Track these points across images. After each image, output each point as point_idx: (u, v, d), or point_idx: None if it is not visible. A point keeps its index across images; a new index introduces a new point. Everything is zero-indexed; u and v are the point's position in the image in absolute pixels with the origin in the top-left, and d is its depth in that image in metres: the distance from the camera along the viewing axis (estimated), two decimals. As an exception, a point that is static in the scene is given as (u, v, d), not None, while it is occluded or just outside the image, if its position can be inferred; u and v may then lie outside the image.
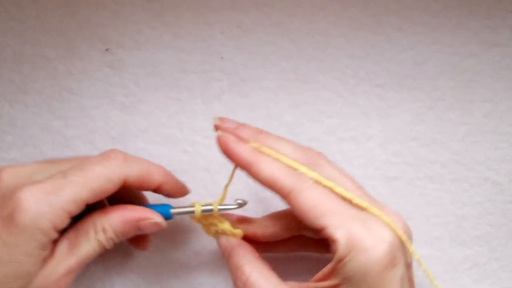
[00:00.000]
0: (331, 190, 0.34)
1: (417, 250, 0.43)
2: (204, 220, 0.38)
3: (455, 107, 0.45)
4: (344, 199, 0.34)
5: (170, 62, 0.46)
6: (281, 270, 0.42)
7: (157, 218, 0.36)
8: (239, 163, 0.35)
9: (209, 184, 0.44)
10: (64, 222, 0.33)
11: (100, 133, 0.45)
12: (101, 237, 0.35)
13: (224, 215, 0.39)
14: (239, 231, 0.38)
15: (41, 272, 0.33)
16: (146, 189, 0.38)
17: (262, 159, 0.35)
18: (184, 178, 0.44)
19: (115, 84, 0.46)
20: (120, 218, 0.35)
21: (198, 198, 0.44)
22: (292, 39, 0.46)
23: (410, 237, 0.35)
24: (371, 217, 0.33)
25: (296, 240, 0.39)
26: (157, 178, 0.37)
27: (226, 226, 0.38)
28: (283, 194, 0.34)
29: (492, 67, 0.46)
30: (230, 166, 0.44)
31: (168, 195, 0.39)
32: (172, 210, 0.38)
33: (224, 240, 0.37)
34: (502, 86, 0.46)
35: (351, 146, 0.45)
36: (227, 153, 0.36)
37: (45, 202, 0.32)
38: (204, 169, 0.44)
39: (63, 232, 0.34)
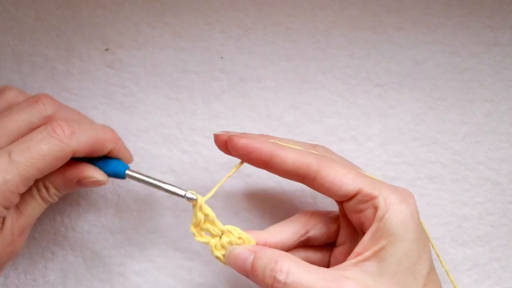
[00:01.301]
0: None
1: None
2: (213, 231, 0.37)
3: (455, 107, 0.45)
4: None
5: (170, 62, 0.46)
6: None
7: (98, 175, 0.37)
8: (261, 155, 0.36)
9: (209, 184, 0.44)
10: (13, 201, 0.34)
11: (100, 133, 0.45)
12: (44, 194, 0.37)
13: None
14: (252, 239, 0.37)
15: None
16: (96, 156, 0.38)
17: (283, 147, 0.36)
18: (184, 178, 0.44)
19: (114, 84, 0.46)
20: (60, 177, 0.37)
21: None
22: (292, 39, 0.46)
23: None
24: (387, 186, 0.36)
25: (299, 251, 0.39)
26: (106, 146, 0.37)
27: (240, 231, 0.37)
28: (313, 169, 0.35)
29: (492, 67, 0.46)
30: (229, 166, 0.44)
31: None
32: (128, 172, 0.38)
33: (240, 248, 0.36)
34: (503, 86, 0.46)
35: (351, 146, 0.45)
36: (248, 148, 0.36)
37: None
38: (204, 169, 0.44)
39: None
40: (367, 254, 0.34)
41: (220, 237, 0.37)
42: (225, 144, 0.37)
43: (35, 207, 0.37)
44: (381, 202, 0.34)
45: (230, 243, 0.36)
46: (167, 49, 0.46)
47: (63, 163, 0.35)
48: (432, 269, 0.36)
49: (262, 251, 0.35)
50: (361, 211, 0.35)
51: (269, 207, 0.44)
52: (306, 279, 0.33)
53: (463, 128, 0.45)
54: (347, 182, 0.35)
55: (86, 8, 0.47)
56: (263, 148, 0.36)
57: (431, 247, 0.38)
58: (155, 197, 0.44)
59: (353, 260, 0.34)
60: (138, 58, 0.46)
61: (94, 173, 0.37)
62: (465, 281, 0.43)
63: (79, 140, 0.35)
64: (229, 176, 0.38)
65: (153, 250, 0.43)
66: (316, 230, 0.39)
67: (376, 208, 0.34)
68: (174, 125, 0.45)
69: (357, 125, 0.45)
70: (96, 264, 0.43)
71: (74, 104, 0.45)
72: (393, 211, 0.34)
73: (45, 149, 0.34)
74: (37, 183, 0.36)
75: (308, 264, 0.34)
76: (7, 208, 0.34)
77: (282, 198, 0.44)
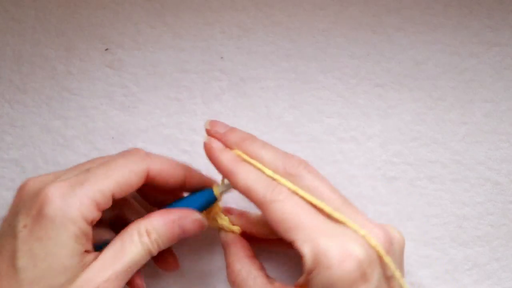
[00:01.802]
0: (307, 201, 0.33)
1: (418, 251, 0.43)
2: (207, 214, 0.39)
3: (455, 107, 0.45)
4: (320, 211, 0.33)
5: (170, 62, 0.46)
6: (275, 268, 0.42)
7: (197, 215, 0.37)
8: (220, 171, 0.36)
9: (209, 184, 0.44)
10: (92, 212, 0.33)
11: (100, 133, 0.45)
12: (146, 240, 0.34)
13: (226, 210, 0.40)
14: (237, 228, 0.39)
15: (85, 274, 0.32)
16: (172, 185, 0.37)
17: (240, 169, 0.35)
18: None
19: (114, 84, 0.46)
20: (161, 219, 0.35)
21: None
22: (292, 39, 0.46)
23: (400, 247, 0.34)
24: (347, 231, 0.32)
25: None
26: (180, 171, 0.37)
27: (225, 222, 0.39)
28: (257, 204, 0.34)
29: (492, 67, 0.46)
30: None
31: (195, 190, 0.39)
32: (216, 189, 0.38)
33: (223, 235, 0.39)
34: (503, 86, 0.46)
35: (351, 146, 0.45)
36: (211, 160, 0.36)
37: (71, 193, 0.32)
38: (204, 169, 0.44)
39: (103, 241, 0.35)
40: None
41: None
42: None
43: (135, 253, 0.34)
44: (307, 261, 0.32)
45: (216, 224, 0.39)
46: (167, 49, 0.46)
47: (140, 181, 0.35)
48: None
49: (230, 247, 0.38)
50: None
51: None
52: None
53: (463, 128, 0.45)
54: (283, 229, 0.33)
55: (86, 8, 0.47)
56: (224, 163, 0.36)
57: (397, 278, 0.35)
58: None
59: None
60: (138, 58, 0.46)
61: (193, 213, 0.37)
62: (465, 281, 0.43)
63: (153, 160, 0.36)
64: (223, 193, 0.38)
65: (153, 250, 0.43)
66: None
67: (303, 264, 0.32)
68: (174, 125, 0.45)
69: (357, 125, 0.45)
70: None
71: (74, 104, 0.45)
72: (318, 273, 0.31)
73: (120, 162, 0.35)
74: (139, 227, 0.35)
75: (259, 276, 0.35)
76: (87, 221, 0.33)
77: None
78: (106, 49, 0.46)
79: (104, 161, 0.35)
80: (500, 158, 0.45)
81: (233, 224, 0.39)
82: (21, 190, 0.35)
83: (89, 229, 0.33)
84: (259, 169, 0.35)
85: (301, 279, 0.33)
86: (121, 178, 0.34)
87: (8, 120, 0.45)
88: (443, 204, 0.44)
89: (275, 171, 0.35)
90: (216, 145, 0.36)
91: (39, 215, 0.32)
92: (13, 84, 0.46)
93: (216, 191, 0.38)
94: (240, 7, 0.47)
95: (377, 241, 0.32)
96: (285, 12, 0.47)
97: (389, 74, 0.46)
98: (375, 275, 0.32)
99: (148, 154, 0.37)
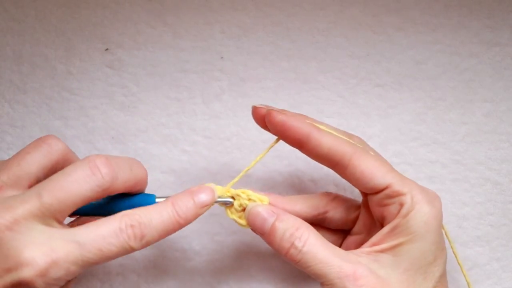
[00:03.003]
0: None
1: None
2: (228, 193, 0.37)
3: (455, 107, 0.45)
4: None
5: (170, 62, 0.46)
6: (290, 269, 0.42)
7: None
8: (298, 134, 0.35)
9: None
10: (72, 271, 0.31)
11: (100, 133, 0.45)
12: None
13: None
14: (265, 198, 0.37)
15: None
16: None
17: (320, 130, 0.36)
18: (184, 178, 0.44)
19: (114, 84, 0.46)
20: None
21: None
22: (292, 39, 0.46)
23: None
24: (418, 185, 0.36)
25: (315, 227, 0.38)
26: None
27: (251, 193, 0.36)
28: (347, 157, 0.35)
29: (492, 67, 0.46)
30: (230, 166, 0.44)
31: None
32: (157, 200, 0.36)
33: (262, 207, 0.36)
34: (503, 86, 0.46)
35: (351, 146, 0.45)
36: (286, 125, 0.36)
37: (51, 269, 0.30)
38: (204, 169, 0.44)
39: None
40: (383, 246, 0.34)
41: (234, 199, 0.37)
42: (263, 118, 0.37)
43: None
44: (407, 200, 0.34)
45: (241, 205, 0.36)
46: (167, 49, 0.46)
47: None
48: (444, 274, 0.36)
49: (285, 215, 0.35)
50: (386, 205, 0.35)
51: (293, 192, 0.44)
52: (322, 253, 0.33)
53: (463, 128, 0.45)
54: (378, 175, 0.35)
55: (86, 8, 0.47)
56: (301, 127, 0.35)
57: (453, 252, 0.40)
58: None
59: (368, 249, 0.35)
60: (138, 58, 0.46)
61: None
62: (465, 281, 0.43)
63: (147, 243, 0.33)
64: (264, 154, 0.38)
65: (153, 250, 0.43)
66: (336, 213, 0.39)
67: (401, 205, 0.34)
68: (174, 125, 0.45)
69: (357, 125, 0.45)
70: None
71: (74, 104, 0.45)
72: (418, 210, 0.34)
73: (114, 251, 0.31)
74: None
75: (326, 240, 0.34)
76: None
77: (307, 184, 0.44)
78: (106, 49, 0.46)
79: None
80: (500, 158, 0.45)
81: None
82: None
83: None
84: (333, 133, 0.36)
85: (386, 230, 0.34)
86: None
87: (8, 120, 0.45)
88: (443, 204, 0.44)
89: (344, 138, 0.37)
90: (282, 112, 0.36)
91: (13, 284, 0.29)
92: (13, 84, 0.46)
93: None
94: (240, 7, 0.47)
95: None
96: (285, 12, 0.47)
97: (389, 74, 0.46)
98: None
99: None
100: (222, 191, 0.36)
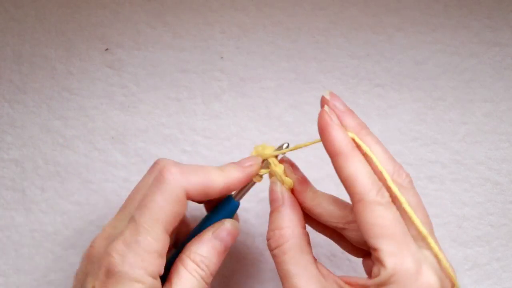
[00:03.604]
0: (407, 216, 0.32)
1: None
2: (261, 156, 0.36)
3: (455, 107, 0.45)
4: (413, 230, 0.32)
5: (170, 62, 0.46)
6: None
7: (227, 223, 0.36)
8: (330, 148, 0.33)
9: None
10: (157, 264, 0.32)
11: (100, 133, 0.45)
12: (197, 269, 0.35)
13: (288, 167, 0.36)
14: (289, 180, 0.35)
15: None
16: (213, 196, 0.35)
17: (352, 155, 0.32)
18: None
19: (114, 84, 0.46)
20: (200, 243, 0.35)
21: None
22: (292, 39, 0.46)
23: None
24: (430, 257, 0.32)
25: (336, 233, 0.38)
26: (220, 180, 0.34)
27: (279, 170, 0.35)
28: (354, 199, 0.32)
29: (492, 66, 0.46)
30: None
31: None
32: (236, 198, 0.36)
33: (278, 187, 0.35)
34: (503, 86, 0.46)
35: (351, 146, 0.45)
36: (324, 132, 0.33)
37: (130, 253, 0.31)
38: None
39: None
40: None
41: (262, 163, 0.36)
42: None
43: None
44: (385, 273, 0.31)
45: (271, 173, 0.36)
46: (167, 49, 0.46)
47: (185, 204, 0.34)
48: None
49: (286, 208, 0.34)
50: (374, 262, 0.32)
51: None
52: (287, 266, 0.33)
53: (463, 128, 0.45)
54: (372, 233, 0.31)
55: (86, 8, 0.47)
56: (334, 143, 0.33)
57: None
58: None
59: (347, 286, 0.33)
60: (138, 58, 0.46)
61: (223, 222, 0.36)
62: (465, 281, 0.43)
63: (189, 179, 0.33)
64: (312, 143, 0.36)
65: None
66: (353, 234, 0.35)
67: (378, 274, 0.31)
68: (174, 125, 0.45)
69: (357, 125, 0.45)
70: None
71: (74, 104, 0.45)
72: (395, 281, 0.30)
73: (161, 202, 0.32)
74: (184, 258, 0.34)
75: (307, 254, 0.33)
76: (152, 276, 0.32)
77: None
78: (106, 49, 0.46)
79: (144, 203, 0.33)
80: (500, 158, 0.45)
81: (287, 176, 0.36)
82: (88, 254, 0.34)
83: (155, 282, 0.32)
84: (370, 160, 0.33)
85: (362, 282, 0.32)
86: (167, 217, 0.32)
87: (8, 120, 0.45)
88: (443, 204, 0.44)
89: (381, 173, 0.33)
90: (335, 119, 0.34)
91: (106, 277, 0.31)
92: (13, 84, 0.46)
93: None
94: (240, 7, 0.47)
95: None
96: (285, 12, 0.47)
97: (389, 74, 0.46)
98: None
99: (182, 171, 0.33)
100: (270, 151, 0.36)
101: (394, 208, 0.32)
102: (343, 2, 0.47)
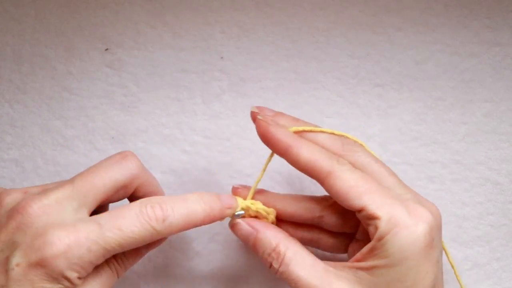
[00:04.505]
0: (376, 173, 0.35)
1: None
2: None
3: (455, 107, 0.45)
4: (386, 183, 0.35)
5: (169, 62, 0.46)
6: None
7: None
8: (278, 146, 0.35)
9: (209, 184, 0.44)
10: (89, 271, 0.32)
11: (100, 133, 0.45)
12: (117, 266, 0.35)
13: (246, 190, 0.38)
14: (272, 210, 0.37)
15: None
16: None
17: (302, 142, 0.35)
18: (184, 178, 0.44)
19: (114, 84, 0.46)
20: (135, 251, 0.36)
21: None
22: (292, 39, 0.46)
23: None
24: (410, 200, 0.34)
25: (312, 231, 0.39)
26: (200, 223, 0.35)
27: (259, 205, 0.37)
28: (322, 175, 0.34)
29: (492, 67, 0.46)
30: (229, 165, 0.44)
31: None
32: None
33: (243, 224, 0.36)
34: (503, 86, 0.46)
35: (351, 146, 0.45)
36: (267, 136, 0.35)
37: (78, 248, 0.31)
38: (204, 169, 0.44)
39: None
40: (363, 264, 0.33)
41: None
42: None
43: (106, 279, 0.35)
44: (382, 224, 0.32)
45: (249, 215, 0.37)
46: (167, 49, 0.46)
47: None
48: None
49: (264, 232, 0.35)
50: (366, 224, 0.34)
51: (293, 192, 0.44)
52: (297, 273, 0.33)
53: (463, 128, 0.45)
54: (351, 197, 0.33)
55: (86, 8, 0.47)
56: (280, 139, 0.35)
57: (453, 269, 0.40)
58: (155, 197, 0.44)
59: (350, 264, 0.34)
60: (138, 58, 0.46)
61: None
62: (465, 281, 0.43)
63: (170, 226, 0.33)
64: (264, 170, 0.37)
65: (153, 250, 0.43)
66: (331, 218, 0.38)
67: (376, 228, 0.33)
68: (174, 125, 0.45)
69: (357, 125, 0.45)
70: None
71: (74, 104, 0.45)
72: (393, 235, 0.32)
73: (136, 231, 0.32)
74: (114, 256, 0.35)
75: (307, 255, 0.34)
76: (80, 278, 0.32)
77: (307, 184, 0.44)
78: (106, 49, 0.46)
79: (119, 220, 0.32)
80: (500, 158, 0.45)
81: (268, 207, 0.37)
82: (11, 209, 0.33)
83: (78, 282, 0.32)
84: (317, 143, 0.36)
85: (365, 250, 0.33)
86: (129, 245, 0.32)
87: (8, 120, 0.45)
88: (443, 204, 0.44)
89: (332, 148, 0.36)
90: (272, 121, 0.36)
91: (38, 261, 0.31)
92: (13, 84, 0.46)
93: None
94: (240, 7, 0.47)
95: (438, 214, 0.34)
96: (285, 12, 0.47)
97: (389, 74, 0.46)
98: (439, 241, 0.34)
99: (165, 216, 0.33)
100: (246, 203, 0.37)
101: (358, 171, 0.35)
102: (343, 2, 0.47)
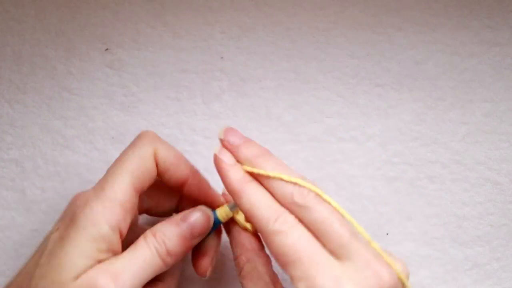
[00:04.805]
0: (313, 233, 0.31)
1: (418, 251, 0.43)
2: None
3: (455, 107, 0.45)
4: (326, 245, 0.31)
5: (169, 62, 0.46)
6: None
7: (199, 209, 0.36)
8: (227, 189, 0.34)
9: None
10: (117, 214, 0.33)
11: (100, 133, 0.45)
12: (153, 240, 0.34)
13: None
14: (250, 225, 0.36)
15: (91, 272, 0.33)
16: (176, 179, 0.36)
17: (247, 190, 0.33)
18: (184, 178, 0.44)
19: (114, 84, 0.46)
20: (165, 222, 0.35)
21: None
22: (292, 39, 0.46)
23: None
24: (349, 269, 0.30)
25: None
26: (186, 164, 0.36)
27: (240, 217, 0.37)
28: (259, 231, 0.33)
29: (492, 66, 0.46)
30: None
31: (195, 196, 0.37)
32: (222, 211, 0.37)
33: (243, 238, 0.37)
34: (503, 86, 0.46)
35: (351, 146, 0.45)
36: (220, 175, 0.34)
37: (94, 199, 0.33)
38: (204, 169, 0.44)
39: None
40: None
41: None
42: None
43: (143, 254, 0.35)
44: None
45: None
46: (167, 49, 0.46)
47: (153, 166, 0.35)
48: None
49: (238, 238, 0.36)
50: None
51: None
52: None
53: (463, 128, 0.45)
54: (281, 263, 0.31)
55: (86, 8, 0.47)
56: (231, 181, 0.34)
57: None
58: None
59: None
60: (138, 58, 0.46)
61: (196, 209, 0.36)
62: (465, 281, 0.43)
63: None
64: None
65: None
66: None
67: None
68: (174, 125, 0.45)
69: (357, 125, 0.45)
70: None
71: (74, 104, 0.45)
72: None
73: (130, 152, 0.34)
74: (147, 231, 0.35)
75: (263, 274, 0.35)
76: (113, 229, 0.33)
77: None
78: (106, 49, 0.46)
79: (118, 158, 0.35)
80: (500, 158, 0.45)
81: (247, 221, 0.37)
82: (69, 203, 0.35)
83: (111, 234, 0.32)
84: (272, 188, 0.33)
85: None
86: (135, 167, 0.34)
87: (8, 120, 0.45)
88: (443, 204, 0.44)
89: (282, 198, 0.32)
90: (227, 159, 0.34)
91: (70, 221, 0.33)
92: (13, 84, 0.46)
93: (222, 213, 0.37)
94: (240, 7, 0.47)
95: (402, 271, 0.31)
96: (285, 12, 0.47)
97: (389, 74, 0.46)
98: None
99: (157, 137, 0.36)
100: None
101: (299, 230, 0.31)
102: (343, 2, 0.47)
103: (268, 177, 0.33)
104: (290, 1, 0.47)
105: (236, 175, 0.34)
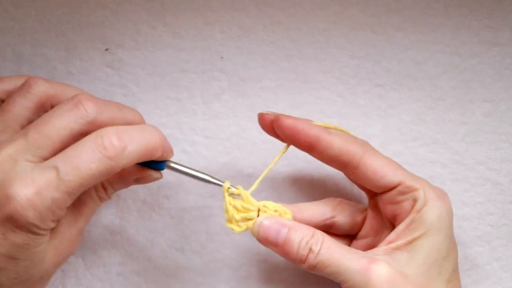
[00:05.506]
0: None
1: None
2: (248, 211, 0.36)
3: (455, 107, 0.45)
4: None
5: (169, 62, 0.46)
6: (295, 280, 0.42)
7: (155, 174, 0.37)
8: (308, 138, 0.36)
9: (208, 184, 0.44)
10: (61, 215, 0.32)
11: (100, 133, 0.45)
12: (102, 193, 0.37)
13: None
14: (289, 211, 0.37)
15: (53, 241, 0.34)
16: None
17: (330, 132, 0.37)
18: (184, 178, 0.44)
19: (114, 84, 0.46)
20: (117, 178, 0.36)
21: (198, 198, 0.44)
22: (292, 39, 0.46)
23: None
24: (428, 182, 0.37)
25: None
26: (155, 155, 0.35)
27: (275, 204, 0.36)
28: (357, 156, 0.36)
29: (492, 66, 0.46)
30: (230, 165, 0.44)
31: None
32: (170, 164, 0.37)
33: (271, 220, 0.36)
34: (503, 86, 0.46)
35: (351, 146, 0.45)
36: (296, 129, 0.36)
37: (40, 203, 0.31)
38: (204, 169, 0.44)
39: None
40: (399, 242, 0.35)
41: (258, 214, 0.36)
42: (270, 124, 0.37)
43: (92, 206, 0.37)
44: (421, 195, 0.35)
45: (246, 218, 0.36)
46: (167, 49, 0.46)
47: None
48: (456, 268, 0.37)
49: (298, 225, 0.36)
50: (398, 202, 0.36)
51: (293, 192, 0.44)
52: (339, 252, 0.34)
53: (463, 128, 0.45)
54: (389, 173, 0.36)
55: (86, 8, 0.47)
56: (310, 130, 0.36)
57: None
58: (155, 197, 0.44)
59: (384, 247, 0.35)
60: (138, 58, 0.46)
61: (151, 171, 0.37)
62: (465, 281, 0.43)
63: (129, 155, 0.32)
64: (276, 162, 0.38)
65: (153, 250, 0.43)
66: (342, 217, 0.39)
67: (415, 200, 0.35)
68: (174, 125, 0.45)
69: (357, 125, 0.45)
70: (96, 264, 0.43)
71: (74, 104, 0.45)
72: (431, 205, 0.35)
73: (94, 167, 0.31)
74: (95, 185, 0.36)
75: (341, 244, 0.35)
76: (55, 221, 0.32)
77: (308, 184, 0.44)
78: (106, 49, 0.46)
79: (75, 159, 0.31)
80: (500, 158, 0.45)
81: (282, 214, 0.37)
82: None
83: (52, 225, 0.32)
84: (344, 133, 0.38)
85: (401, 227, 0.35)
86: (93, 181, 0.32)
87: (8, 120, 0.45)
88: (443, 204, 0.44)
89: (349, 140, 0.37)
90: (290, 116, 0.37)
91: (5, 217, 0.30)
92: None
93: (227, 187, 0.37)
94: (240, 7, 0.47)
95: None
96: (285, 12, 0.47)
97: (389, 74, 0.46)
98: None
99: (123, 146, 0.32)
100: (248, 202, 0.36)
101: None
102: (343, 2, 0.47)
103: (335, 128, 0.38)
104: (290, 1, 0.47)
105: (313, 125, 0.37)
